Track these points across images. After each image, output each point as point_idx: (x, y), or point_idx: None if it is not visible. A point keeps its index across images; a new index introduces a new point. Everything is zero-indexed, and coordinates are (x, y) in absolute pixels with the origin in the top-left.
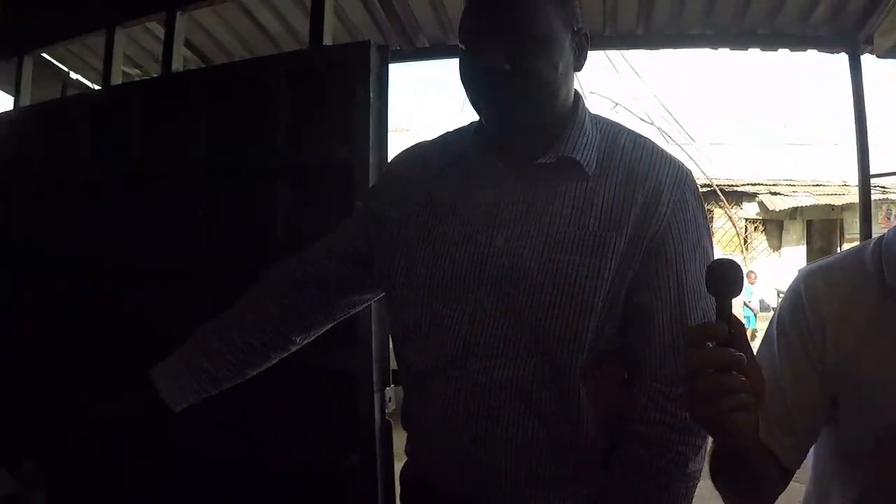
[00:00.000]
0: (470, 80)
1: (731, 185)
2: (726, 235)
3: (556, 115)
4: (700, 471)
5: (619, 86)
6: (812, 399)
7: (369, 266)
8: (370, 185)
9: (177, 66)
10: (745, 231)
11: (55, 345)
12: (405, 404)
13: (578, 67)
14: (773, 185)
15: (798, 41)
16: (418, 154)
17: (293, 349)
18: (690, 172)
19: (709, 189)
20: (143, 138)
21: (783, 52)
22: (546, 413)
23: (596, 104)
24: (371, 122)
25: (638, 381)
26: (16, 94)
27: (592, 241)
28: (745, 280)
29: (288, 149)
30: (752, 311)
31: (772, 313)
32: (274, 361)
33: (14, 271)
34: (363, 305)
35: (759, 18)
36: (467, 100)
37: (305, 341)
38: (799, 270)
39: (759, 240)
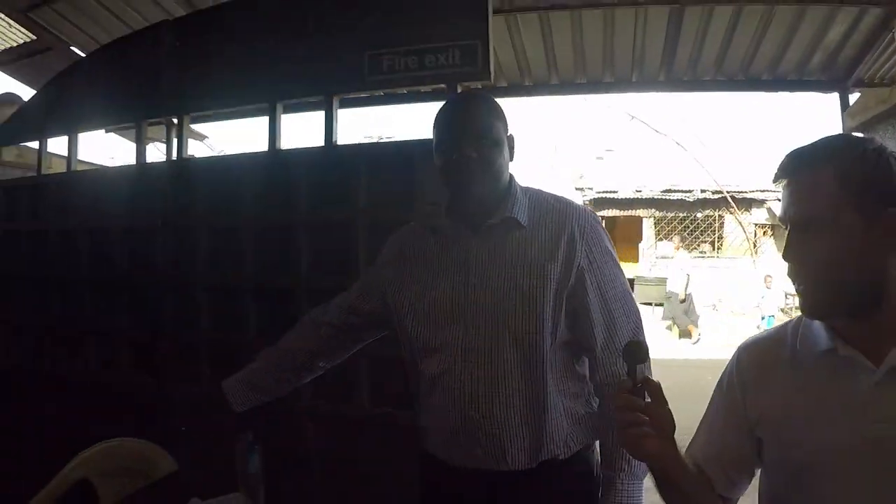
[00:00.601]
0: (448, 165)
1: (741, 192)
2: (736, 240)
3: (500, 188)
4: None
5: (635, 97)
6: (739, 441)
7: (368, 317)
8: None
9: (335, 138)
10: (755, 235)
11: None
12: (421, 399)
13: (511, 158)
14: None
15: (797, 85)
16: (405, 232)
17: (319, 372)
18: (593, 212)
19: (720, 196)
20: (311, 193)
21: (784, 95)
22: (523, 388)
23: (614, 117)
24: None
25: (590, 360)
26: (178, 149)
27: (536, 269)
28: (763, 283)
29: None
30: (763, 315)
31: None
32: (305, 381)
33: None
34: (367, 342)
35: (763, 67)
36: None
37: (327, 366)
38: (740, 344)
39: (768, 244)
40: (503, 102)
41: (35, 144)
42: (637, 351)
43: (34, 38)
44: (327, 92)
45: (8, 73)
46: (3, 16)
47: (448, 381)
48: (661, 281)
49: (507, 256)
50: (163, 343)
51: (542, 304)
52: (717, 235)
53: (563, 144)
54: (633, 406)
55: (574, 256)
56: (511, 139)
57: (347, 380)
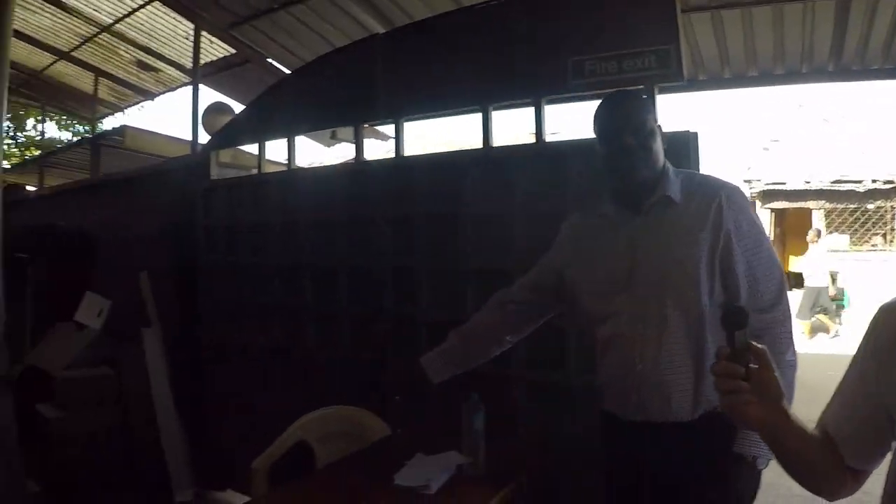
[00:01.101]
0: (612, 154)
1: None
2: None
3: (657, 172)
4: (795, 361)
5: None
6: (870, 413)
7: (547, 293)
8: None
9: (544, 136)
10: None
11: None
12: (598, 361)
13: (663, 144)
14: None
15: None
16: (577, 217)
17: (506, 347)
18: (737, 187)
19: (891, 186)
20: (524, 185)
21: None
22: (686, 346)
23: (780, 106)
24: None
25: None
26: (396, 149)
27: (689, 238)
28: None
29: None
30: None
31: None
32: (494, 355)
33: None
34: (546, 318)
35: None
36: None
37: (513, 341)
38: (881, 305)
39: None
40: (678, 97)
41: (247, 147)
42: (735, 317)
43: (233, 52)
44: (535, 95)
45: (207, 85)
46: (205, 33)
47: (619, 342)
48: (832, 275)
49: (665, 230)
50: (383, 321)
51: (697, 268)
52: (889, 227)
53: (729, 135)
54: (733, 373)
55: (721, 223)
56: (659, 129)
57: (556, 348)
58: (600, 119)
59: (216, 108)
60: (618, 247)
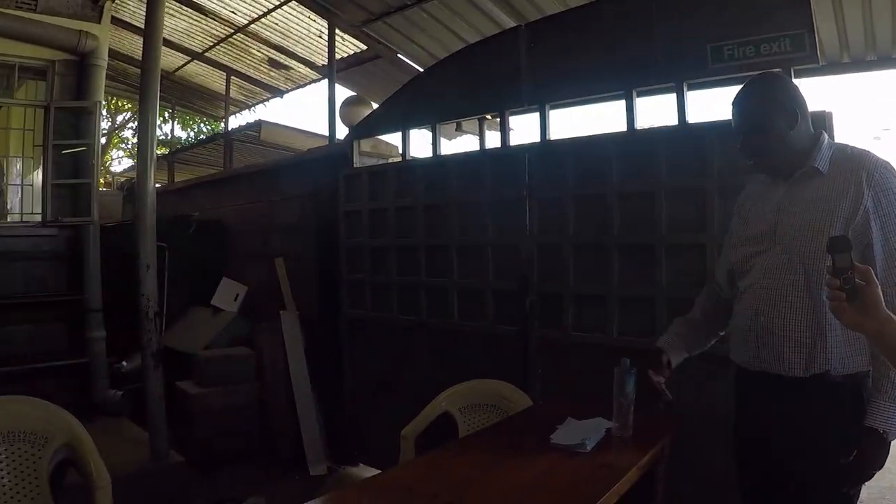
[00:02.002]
0: (740, 146)
1: None
2: None
3: (793, 151)
4: None
5: None
6: None
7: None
8: None
9: (687, 118)
10: None
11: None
12: (734, 310)
13: (792, 127)
14: None
15: None
16: (746, 189)
17: (720, 337)
18: (886, 161)
19: None
20: (668, 164)
21: None
22: (804, 303)
23: (891, 93)
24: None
25: None
26: (542, 133)
27: (828, 205)
28: None
29: None
30: None
31: None
32: (713, 342)
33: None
34: None
35: None
36: None
37: (723, 333)
38: None
39: None
40: (802, 82)
41: (386, 137)
42: (835, 243)
43: (364, 48)
44: (677, 79)
45: (336, 80)
46: (339, 31)
47: (749, 292)
48: None
49: (808, 198)
50: (529, 295)
51: (825, 231)
52: None
53: (840, 124)
54: (831, 285)
55: (861, 198)
56: (789, 112)
57: None
58: (732, 110)
59: (354, 101)
60: (767, 210)
